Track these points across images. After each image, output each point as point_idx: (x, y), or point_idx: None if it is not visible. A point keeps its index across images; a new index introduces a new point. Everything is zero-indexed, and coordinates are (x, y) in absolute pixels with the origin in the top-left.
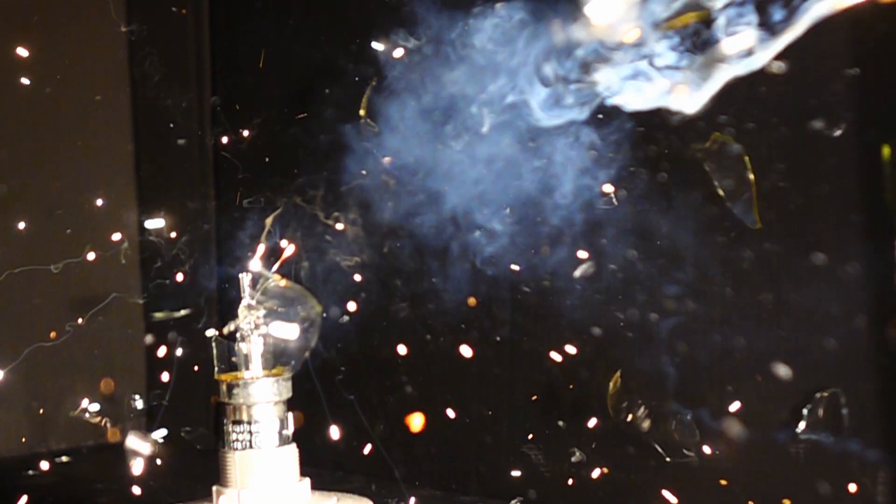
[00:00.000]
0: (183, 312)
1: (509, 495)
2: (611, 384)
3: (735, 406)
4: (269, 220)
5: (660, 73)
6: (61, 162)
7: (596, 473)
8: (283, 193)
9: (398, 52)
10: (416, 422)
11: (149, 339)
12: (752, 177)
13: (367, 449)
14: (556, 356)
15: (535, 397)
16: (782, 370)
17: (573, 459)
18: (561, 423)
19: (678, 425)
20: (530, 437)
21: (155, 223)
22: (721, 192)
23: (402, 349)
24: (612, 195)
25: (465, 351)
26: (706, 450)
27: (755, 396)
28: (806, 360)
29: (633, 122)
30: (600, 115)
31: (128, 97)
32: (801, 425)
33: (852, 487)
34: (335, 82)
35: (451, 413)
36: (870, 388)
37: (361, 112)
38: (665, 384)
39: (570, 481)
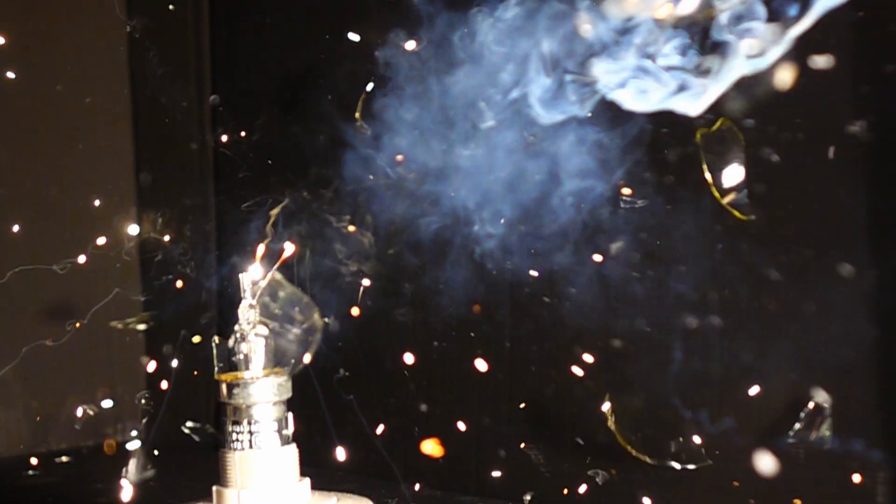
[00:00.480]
0: (144, 317)
1: (509, 495)
2: (607, 414)
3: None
4: (274, 212)
5: (665, 73)
6: (60, 162)
7: (604, 476)
8: (286, 190)
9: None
10: (433, 447)
11: (146, 360)
12: (743, 166)
13: (367, 449)
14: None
15: (523, 404)
16: (821, 395)
17: (598, 481)
18: (579, 440)
19: (684, 443)
20: (522, 445)
21: (133, 229)
22: (709, 180)
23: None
24: (629, 197)
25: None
26: (716, 452)
27: (762, 400)
28: (810, 362)
29: (645, 122)
30: (608, 115)
31: (128, 96)
32: (793, 431)
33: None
34: (336, 81)
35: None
36: (873, 388)
37: (357, 115)
38: (672, 390)
39: (578, 487)
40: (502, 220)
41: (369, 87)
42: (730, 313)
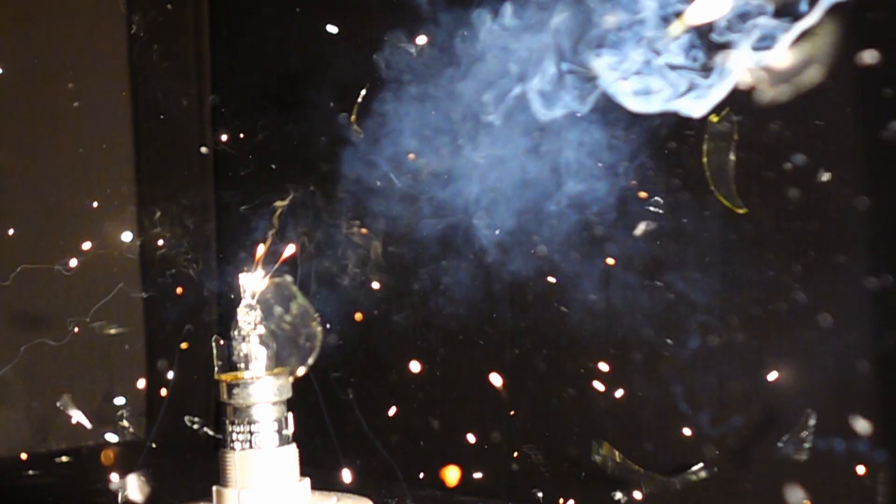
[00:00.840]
0: (117, 330)
1: (509, 495)
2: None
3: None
4: (281, 203)
5: (671, 73)
6: (60, 162)
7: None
8: (288, 186)
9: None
10: (452, 476)
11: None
12: (732, 158)
13: (368, 449)
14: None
15: (512, 412)
16: (861, 425)
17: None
18: (598, 458)
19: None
20: (518, 451)
21: (126, 236)
22: (707, 173)
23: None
24: (647, 200)
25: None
26: (716, 452)
27: (767, 401)
28: (812, 362)
29: (659, 124)
30: (622, 117)
31: (128, 96)
32: (782, 441)
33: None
34: (337, 81)
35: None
36: (874, 389)
37: (352, 118)
38: (679, 399)
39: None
40: (497, 231)
41: (364, 92)
42: (736, 318)
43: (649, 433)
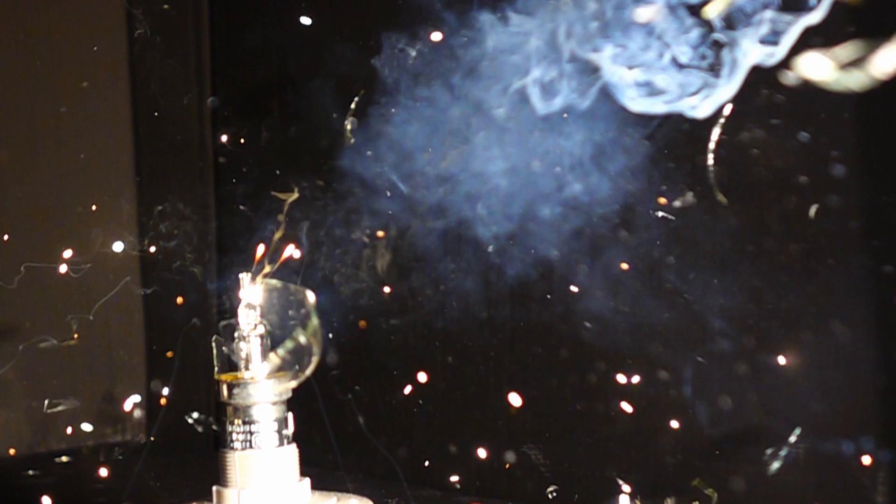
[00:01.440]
0: (72, 341)
1: (510, 495)
2: None
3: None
4: (282, 195)
5: (677, 74)
6: (59, 163)
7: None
8: (289, 186)
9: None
10: None
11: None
12: (711, 148)
13: (368, 449)
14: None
15: (500, 421)
16: None
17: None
18: (618, 476)
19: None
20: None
21: (118, 246)
22: (709, 172)
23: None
24: (664, 207)
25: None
26: (716, 452)
27: (772, 405)
28: (812, 362)
29: (671, 126)
30: (629, 120)
31: (128, 96)
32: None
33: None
34: (337, 82)
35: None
36: (873, 389)
37: (348, 126)
38: (690, 406)
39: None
40: (490, 248)
41: (357, 99)
42: (749, 326)
43: (654, 439)
